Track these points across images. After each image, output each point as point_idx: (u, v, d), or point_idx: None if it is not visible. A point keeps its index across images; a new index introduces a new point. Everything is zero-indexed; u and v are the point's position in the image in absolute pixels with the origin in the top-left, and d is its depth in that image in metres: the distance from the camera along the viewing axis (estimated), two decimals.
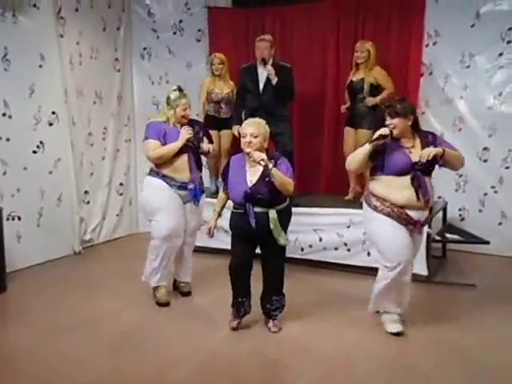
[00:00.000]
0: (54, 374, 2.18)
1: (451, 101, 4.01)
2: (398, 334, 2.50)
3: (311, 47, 4.35)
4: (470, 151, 3.97)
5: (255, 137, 2.38)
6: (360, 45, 3.78)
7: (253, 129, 2.40)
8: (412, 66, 4.05)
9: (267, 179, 2.35)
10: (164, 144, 2.81)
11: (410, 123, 2.40)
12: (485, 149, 3.95)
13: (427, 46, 4.02)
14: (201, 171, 2.99)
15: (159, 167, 2.86)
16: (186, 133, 2.81)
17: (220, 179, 3.29)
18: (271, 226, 2.39)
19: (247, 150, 2.39)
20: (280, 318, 2.61)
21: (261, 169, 2.37)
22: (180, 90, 2.89)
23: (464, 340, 2.48)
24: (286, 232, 2.50)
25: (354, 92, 3.76)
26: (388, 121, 2.40)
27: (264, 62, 3.70)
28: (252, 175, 2.44)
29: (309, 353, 2.36)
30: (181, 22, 4.60)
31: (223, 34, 4.50)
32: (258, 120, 2.49)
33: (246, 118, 3.63)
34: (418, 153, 2.38)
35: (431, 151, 2.33)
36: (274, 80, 3.67)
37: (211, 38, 4.53)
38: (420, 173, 2.39)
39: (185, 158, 2.85)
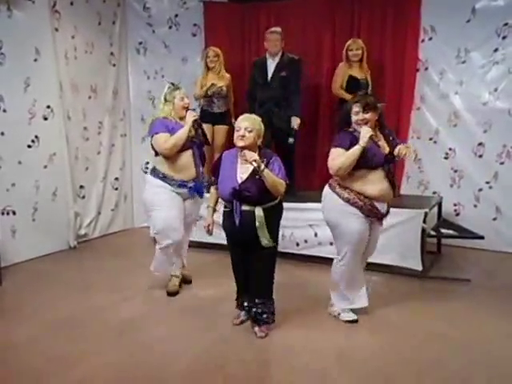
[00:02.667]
0: (48, 367, 2.17)
1: (447, 96, 4.02)
2: (353, 322, 2.59)
3: (306, 42, 4.35)
4: (465, 146, 4.01)
5: (249, 131, 2.34)
6: (353, 42, 3.81)
7: (248, 123, 2.37)
8: (408, 61, 4.06)
9: (257, 177, 2.30)
10: None
11: (377, 117, 2.45)
12: (480, 144, 3.96)
13: (423, 41, 4.04)
14: (203, 166, 2.99)
15: (160, 167, 2.87)
16: (190, 116, 2.80)
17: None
18: (257, 224, 2.33)
19: (240, 144, 2.35)
20: (269, 323, 2.47)
21: (252, 166, 2.32)
22: (173, 84, 2.91)
23: (458, 335, 2.48)
24: (275, 230, 2.45)
25: (359, 90, 3.70)
26: (360, 115, 2.41)
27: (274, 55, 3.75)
28: (243, 172, 2.38)
29: (305, 349, 2.35)
30: (176, 16, 4.59)
31: (219, 28, 4.49)
32: (253, 116, 2.46)
33: (254, 110, 3.69)
34: (384, 146, 2.49)
35: (407, 150, 2.39)
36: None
37: (207, 33, 4.52)
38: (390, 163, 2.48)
39: (189, 153, 2.85)
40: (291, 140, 3.76)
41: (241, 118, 2.44)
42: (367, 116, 2.41)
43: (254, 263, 2.45)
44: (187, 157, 2.84)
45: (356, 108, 2.42)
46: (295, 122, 3.79)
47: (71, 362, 2.23)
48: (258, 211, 2.34)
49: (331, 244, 3.56)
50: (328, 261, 3.56)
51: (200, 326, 2.61)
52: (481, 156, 3.96)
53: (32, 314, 2.73)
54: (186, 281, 3.18)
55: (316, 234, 3.61)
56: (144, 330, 2.56)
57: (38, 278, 3.34)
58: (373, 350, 2.35)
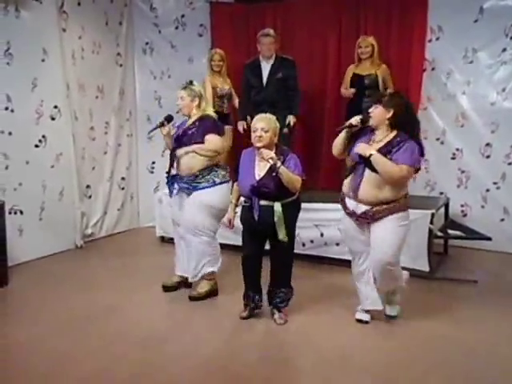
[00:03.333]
0: (52, 367, 2.18)
1: (454, 96, 4.00)
2: (362, 322, 2.58)
3: (312, 42, 4.34)
4: (472, 147, 3.99)
5: (266, 131, 2.45)
6: (362, 40, 3.81)
7: (263, 123, 2.47)
8: (414, 61, 4.04)
9: (274, 174, 2.41)
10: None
11: (388, 116, 2.36)
12: (487, 145, 3.93)
13: (430, 41, 4.02)
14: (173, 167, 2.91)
15: None
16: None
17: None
18: (275, 218, 2.44)
19: (258, 144, 2.46)
20: (286, 309, 2.64)
21: (269, 163, 2.43)
22: (187, 82, 2.93)
23: (465, 337, 2.46)
24: (293, 225, 2.56)
25: (362, 86, 3.73)
26: (371, 108, 2.42)
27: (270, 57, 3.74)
28: (260, 169, 2.50)
29: (310, 349, 2.36)
30: (183, 16, 4.60)
31: (225, 28, 4.50)
32: (268, 115, 2.55)
33: (250, 113, 3.68)
34: (377, 147, 2.37)
35: (362, 149, 2.34)
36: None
37: (213, 33, 4.53)
38: (366, 165, 2.34)
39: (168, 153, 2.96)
40: (285, 130, 3.72)
41: (256, 118, 2.54)
42: (375, 110, 2.39)
43: (273, 255, 2.59)
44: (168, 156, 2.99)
45: (373, 99, 2.47)
46: (292, 119, 3.80)
47: (77, 360, 2.24)
48: (277, 206, 2.45)
49: (337, 244, 3.58)
50: (334, 261, 3.59)
51: (206, 325, 2.61)
52: (488, 156, 3.94)
53: (38, 313, 2.74)
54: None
55: (322, 234, 3.60)
56: (150, 329, 2.56)
57: (45, 277, 3.36)
58: (379, 350, 2.34)
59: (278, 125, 2.53)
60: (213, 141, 2.78)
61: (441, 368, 2.18)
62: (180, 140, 2.85)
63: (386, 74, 3.81)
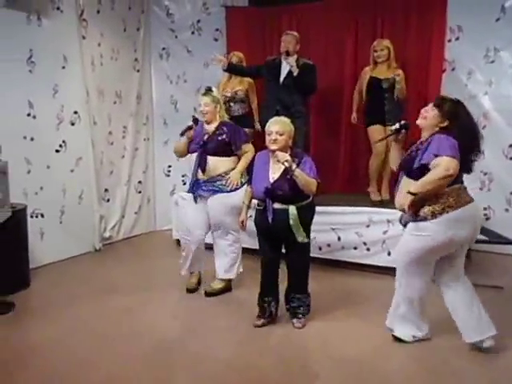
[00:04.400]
0: (71, 369, 2.20)
1: (475, 97, 3.89)
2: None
3: (328, 45, 4.31)
4: (495, 148, 3.87)
5: (281, 134, 2.45)
6: (378, 43, 3.75)
7: (278, 127, 2.47)
8: (434, 62, 3.96)
9: (288, 176, 2.40)
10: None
11: (441, 125, 2.22)
12: (511, 146, 3.82)
13: (449, 41, 3.94)
14: (202, 169, 2.98)
15: None
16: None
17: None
18: (291, 222, 2.42)
19: (273, 147, 2.45)
20: (305, 315, 2.60)
21: (284, 166, 2.42)
22: (206, 89, 3.00)
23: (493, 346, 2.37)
24: (308, 228, 2.53)
25: (380, 89, 3.67)
26: (425, 108, 2.30)
27: (287, 54, 3.73)
28: (274, 172, 2.49)
29: (326, 354, 2.32)
30: (199, 21, 4.64)
31: (240, 33, 4.52)
32: (283, 118, 2.56)
33: (265, 113, 3.70)
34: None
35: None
36: (296, 71, 3.68)
37: (229, 38, 4.55)
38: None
39: (194, 155, 3.02)
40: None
41: (271, 121, 2.54)
42: (429, 112, 2.25)
43: (289, 259, 2.57)
44: (194, 158, 3.04)
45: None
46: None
47: (95, 363, 2.26)
48: (292, 209, 2.43)
49: (355, 248, 3.53)
50: (351, 265, 3.53)
51: (222, 328, 2.61)
52: None
53: (58, 316, 2.78)
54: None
55: (339, 238, 3.55)
56: (165, 332, 2.57)
57: (65, 279, 3.42)
58: (397, 357, 2.29)
59: (292, 128, 2.52)
60: (250, 148, 2.96)
61: (462, 378, 2.11)
62: (207, 145, 2.92)
63: (403, 79, 3.69)
